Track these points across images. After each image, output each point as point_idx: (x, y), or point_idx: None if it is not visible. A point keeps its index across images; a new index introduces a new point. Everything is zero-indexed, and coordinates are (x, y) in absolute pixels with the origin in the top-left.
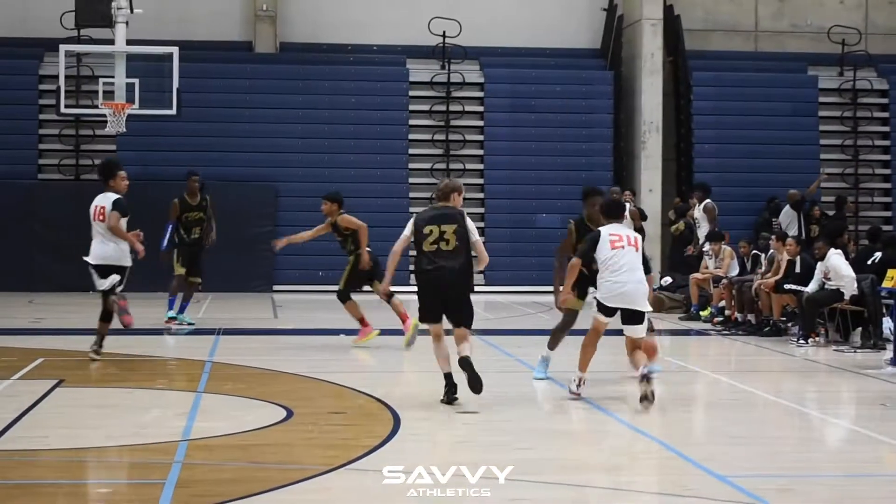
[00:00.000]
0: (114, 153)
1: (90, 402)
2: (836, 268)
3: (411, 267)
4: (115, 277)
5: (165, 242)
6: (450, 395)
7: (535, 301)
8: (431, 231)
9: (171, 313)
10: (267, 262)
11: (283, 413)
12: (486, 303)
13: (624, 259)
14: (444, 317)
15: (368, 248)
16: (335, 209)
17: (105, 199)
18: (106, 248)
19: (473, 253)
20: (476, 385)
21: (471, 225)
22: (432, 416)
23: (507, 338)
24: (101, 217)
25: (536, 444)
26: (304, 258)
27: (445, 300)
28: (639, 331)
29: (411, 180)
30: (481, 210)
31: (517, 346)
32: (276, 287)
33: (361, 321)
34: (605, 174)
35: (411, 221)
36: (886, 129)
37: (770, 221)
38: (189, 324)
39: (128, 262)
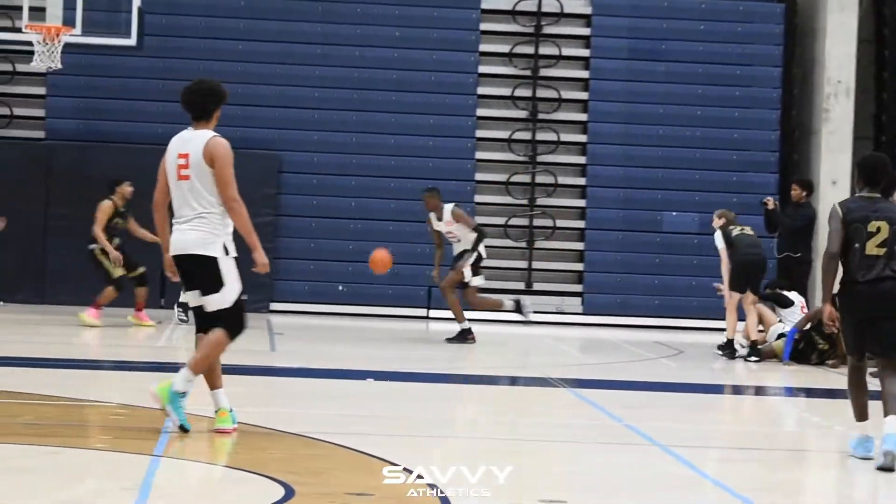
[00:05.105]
0: (42, 99)
1: None
2: None
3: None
4: None
5: None
6: None
7: (655, 340)
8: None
9: None
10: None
11: (280, 492)
12: (585, 340)
13: None
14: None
15: None
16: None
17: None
18: None
19: None
20: None
21: None
22: None
23: (612, 393)
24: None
25: None
26: (319, 265)
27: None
28: None
29: (479, 155)
30: (581, 202)
31: (627, 405)
32: (275, 306)
33: None
34: (766, 155)
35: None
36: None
37: None
38: None
39: None
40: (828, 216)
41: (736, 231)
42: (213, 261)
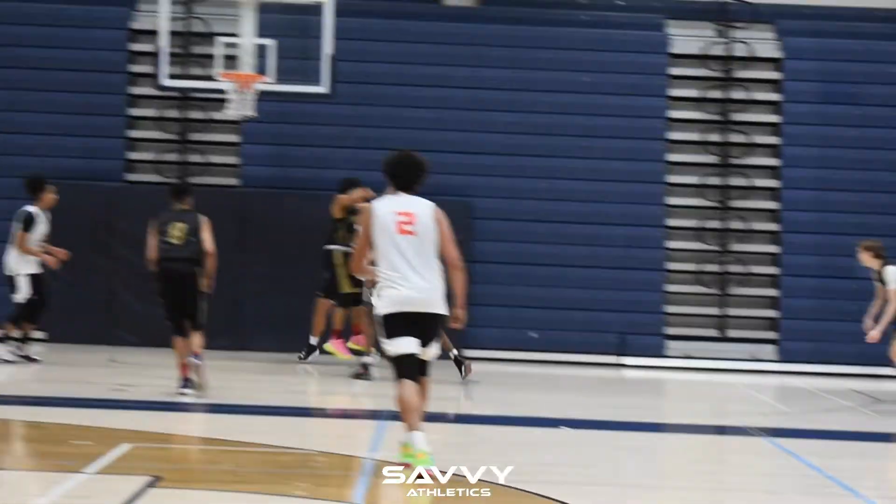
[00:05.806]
0: (237, 147)
1: None
2: None
3: None
4: None
5: None
6: None
7: (852, 388)
8: None
9: None
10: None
11: None
12: (779, 388)
13: None
14: None
15: None
16: None
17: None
18: None
19: None
20: None
21: None
22: None
23: (811, 442)
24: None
25: None
26: (511, 311)
27: None
28: None
29: (670, 200)
30: (774, 249)
31: (826, 455)
32: (468, 352)
33: None
34: None
35: None
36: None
37: None
38: None
39: None
40: None
41: None
42: (445, 317)
